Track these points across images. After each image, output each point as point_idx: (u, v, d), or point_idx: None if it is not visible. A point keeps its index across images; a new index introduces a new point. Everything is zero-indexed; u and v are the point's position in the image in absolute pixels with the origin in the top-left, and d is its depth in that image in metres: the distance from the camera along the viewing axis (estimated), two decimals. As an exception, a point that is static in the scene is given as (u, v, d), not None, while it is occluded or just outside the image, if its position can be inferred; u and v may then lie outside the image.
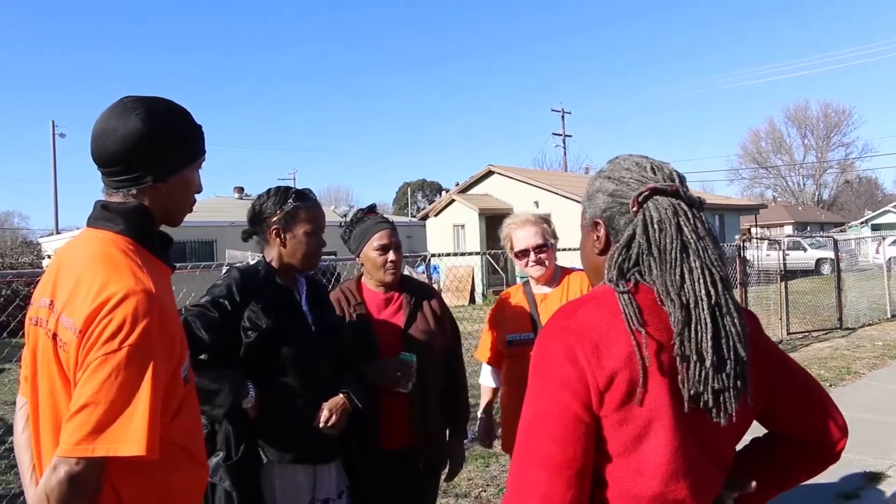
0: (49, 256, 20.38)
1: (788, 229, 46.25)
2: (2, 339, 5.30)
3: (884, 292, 14.07)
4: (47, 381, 1.48)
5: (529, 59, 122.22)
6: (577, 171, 41.72)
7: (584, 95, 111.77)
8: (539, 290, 2.95)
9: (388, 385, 2.58)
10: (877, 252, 19.83)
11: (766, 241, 15.45)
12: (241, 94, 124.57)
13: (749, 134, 71.33)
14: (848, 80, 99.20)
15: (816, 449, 1.42)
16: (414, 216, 37.72)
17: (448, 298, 2.99)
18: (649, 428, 1.18)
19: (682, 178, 1.35)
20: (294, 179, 48.23)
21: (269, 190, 2.42)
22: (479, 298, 21.98)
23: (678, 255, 1.23)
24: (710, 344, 1.18)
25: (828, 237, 17.60)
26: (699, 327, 1.19)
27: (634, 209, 1.30)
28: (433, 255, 6.92)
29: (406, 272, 2.88)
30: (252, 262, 2.45)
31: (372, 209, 2.85)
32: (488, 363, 3.17)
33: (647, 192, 1.30)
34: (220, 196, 34.21)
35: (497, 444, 3.24)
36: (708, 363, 1.18)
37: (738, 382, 1.21)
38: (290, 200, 2.35)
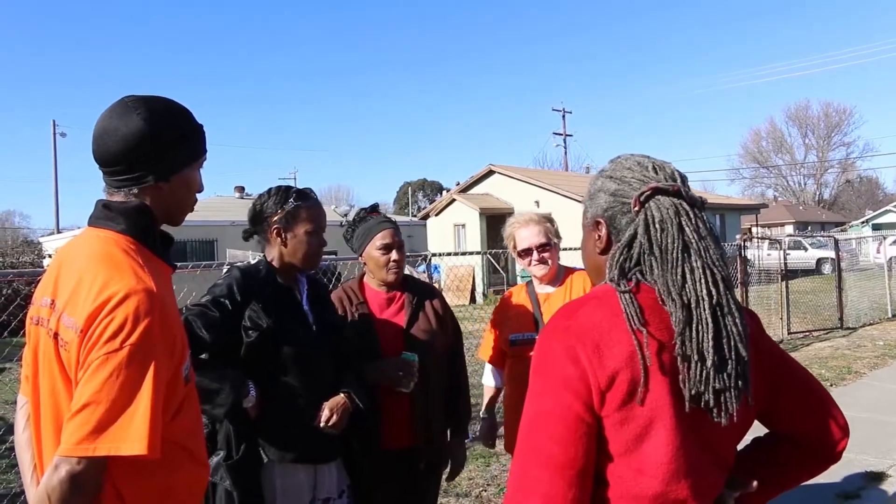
0: (50, 256, 20.37)
1: (789, 229, 46.24)
2: (3, 338, 5.30)
3: (885, 292, 14.05)
4: (48, 380, 1.48)
5: (530, 59, 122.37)
6: (578, 170, 41.75)
7: (585, 95, 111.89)
8: (542, 289, 2.95)
9: (390, 385, 2.58)
10: (878, 251, 19.86)
11: (767, 241, 15.46)
12: (241, 94, 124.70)
13: (750, 133, 71.44)
14: (848, 79, 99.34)
15: (817, 448, 1.42)
16: (414, 216, 37.72)
17: (449, 298, 3.01)
18: (650, 427, 1.18)
19: (683, 178, 1.35)
20: (295, 179, 48.22)
21: (270, 189, 2.42)
22: (479, 298, 21.97)
23: (680, 255, 1.23)
24: (711, 344, 1.18)
25: (829, 237, 17.58)
26: (700, 327, 1.19)
27: (636, 209, 1.30)
28: (434, 255, 6.91)
29: (406, 272, 2.88)
30: (253, 262, 2.45)
31: (375, 208, 2.85)
32: (491, 363, 3.17)
33: (648, 192, 1.30)
34: (220, 195, 34.23)
35: (499, 443, 3.24)
36: (709, 363, 1.18)
37: (740, 382, 1.21)
38: (291, 200, 2.35)
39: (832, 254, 15.72)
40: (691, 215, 1.28)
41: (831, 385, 7.67)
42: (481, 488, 4.88)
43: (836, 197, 67.15)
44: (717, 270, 1.24)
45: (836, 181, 67.05)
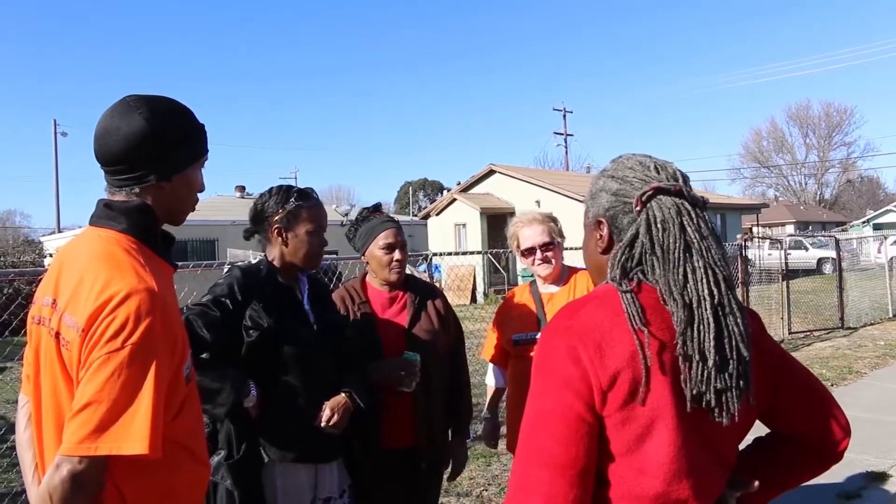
0: (51, 255, 20.40)
1: (790, 229, 46.22)
2: (4, 337, 5.31)
3: (885, 292, 14.04)
4: (50, 379, 1.48)
5: (530, 59, 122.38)
6: (579, 170, 41.72)
7: (586, 95, 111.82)
8: (546, 289, 2.94)
9: (392, 384, 2.58)
10: (878, 251, 19.83)
11: (768, 241, 15.46)
12: (242, 93, 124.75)
13: (751, 133, 71.37)
14: (848, 79, 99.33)
15: (819, 448, 1.42)
16: (415, 215, 37.71)
17: (449, 297, 3.01)
18: (652, 427, 1.18)
19: (685, 178, 1.35)
20: (296, 178, 48.25)
21: (272, 189, 2.42)
22: (480, 298, 21.97)
23: (681, 255, 1.23)
24: (712, 344, 1.18)
25: (829, 236, 17.57)
26: (702, 327, 1.19)
27: (638, 208, 1.30)
28: (435, 255, 6.90)
29: (407, 272, 2.88)
30: (254, 261, 2.45)
31: (377, 208, 2.86)
32: (494, 362, 3.16)
33: (650, 192, 1.30)
34: (221, 195, 34.24)
35: (501, 443, 3.24)
36: (710, 363, 1.18)
37: (741, 382, 1.21)
38: (293, 199, 2.35)
39: (833, 254, 15.70)
40: (693, 215, 1.28)
41: (832, 385, 7.67)
42: (482, 488, 4.88)
43: (837, 197, 67.13)
44: (719, 270, 1.24)
45: (837, 181, 67.06)
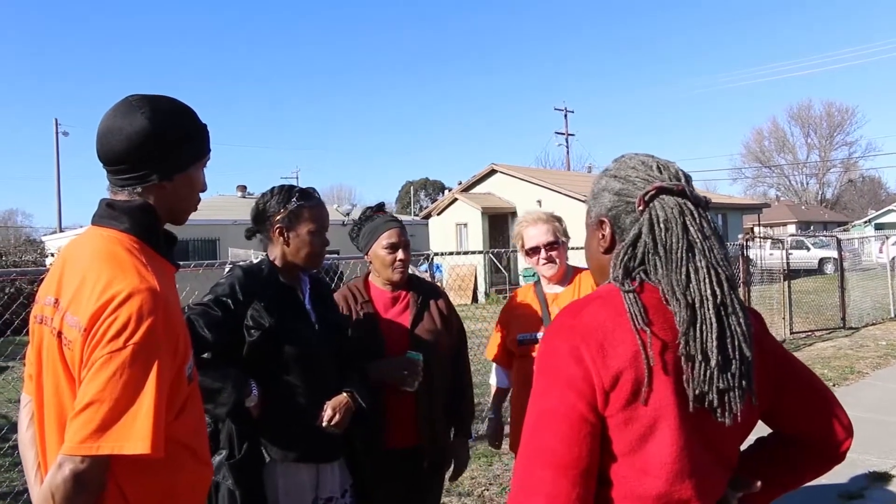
0: (52, 254, 20.41)
1: (791, 228, 46.19)
2: (5, 336, 5.31)
3: (887, 292, 14.04)
4: (52, 379, 1.48)
5: (531, 58, 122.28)
6: (580, 169, 41.72)
7: (587, 94, 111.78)
8: (550, 289, 2.94)
9: (395, 384, 2.58)
10: (880, 251, 19.81)
11: (770, 241, 15.45)
12: (243, 93, 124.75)
13: (752, 133, 71.33)
14: (848, 79, 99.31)
15: (821, 449, 1.42)
16: (416, 215, 37.69)
17: (451, 297, 3.01)
18: (654, 427, 1.18)
19: (688, 178, 1.35)
20: (297, 178, 48.20)
21: (273, 188, 2.42)
22: (481, 297, 21.97)
23: (684, 255, 1.23)
24: (715, 344, 1.18)
25: (831, 236, 17.57)
26: (704, 327, 1.19)
27: (640, 208, 1.30)
28: (436, 254, 6.90)
29: (409, 271, 2.88)
30: (255, 261, 2.45)
31: (381, 207, 2.86)
32: (498, 363, 3.16)
33: (653, 192, 1.30)
34: (222, 194, 34.26)
35: (505, 443, 3.24)
36: (713, 363, 1.18)
37: (743, 382, 1.20)
38: (294, 199, 2.35)
39: (835, 253, 15.68)
40: (696, 215, 1.28)
41: (834, 385, 7.66)
42: (483, 487, 4.88)
43: (839, 196, 67.09)
44: (722, 270, 1.24)
45: (839, 181, 67.04)
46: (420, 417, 2.67)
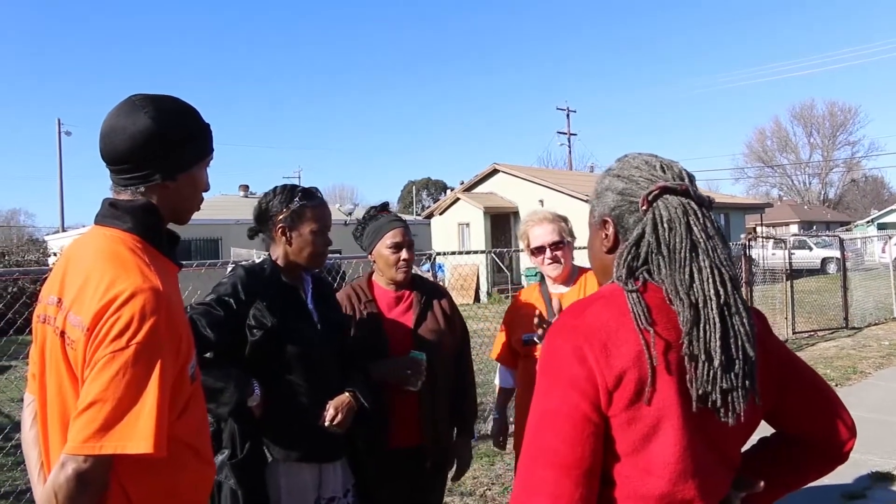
0: (55, 254, 20.45)
1: (794, 228, 46.12)
2: (8, 336, 5.32)
3: (890, 292, 14.01)
4: (55, 378, 1.49)
5: (531, 58, 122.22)
6: (582, 169, 41.65)
7: (587, 94, 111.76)
8: (555, 289, 2.93)
9: (398, 383, 2.58)
10: (883, 251, 19.76)
11: (772, 240, 15.44)
12: (244, 93, 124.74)
13: (755, 132, 71.19)
14: (848, 79, 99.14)
15: (824, 449, 1.42)
16: (419, 215, 37.71)
17: (453, 297, 3.00)
18: (658, 427, 1.18)
19: (691, 177, 1.35)
20: (299, 178, 48.19)
21: (276, 188, 2.42)
22: (483, 297, 21.97)
23: (688, 255, 1.23)
24: (718, 343, 1.18)
25: (833, 236, 17.55)
26: (708, 327, 1.19)
27: (644, 208, 1.30)
28: (438, 254, 6.90)
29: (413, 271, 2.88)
30: (258, 261, 2.45)
31: (385, 207, 2.86)
32: (503, 363, 3.16)
33: (657, 191, 1.29)
34: (225, 194, 34.28)
35: (509, 443, 3.23)
36: (716, 363, 1.17)
37: (747, 382, 1.20)
38: (297, 199, 2.35)
39: (837, 253, 15.69)
40: (699, 215, 1.27)
41: (836, 385, 7.65)
42: (486, 487, 4.88)
43: (842, 196, 66.99)
44: (725, 270, 1.23)
45: (842, 180, 66.95)
46: (423, 417, 2.67)
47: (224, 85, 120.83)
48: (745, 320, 1.22)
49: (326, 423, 2.27)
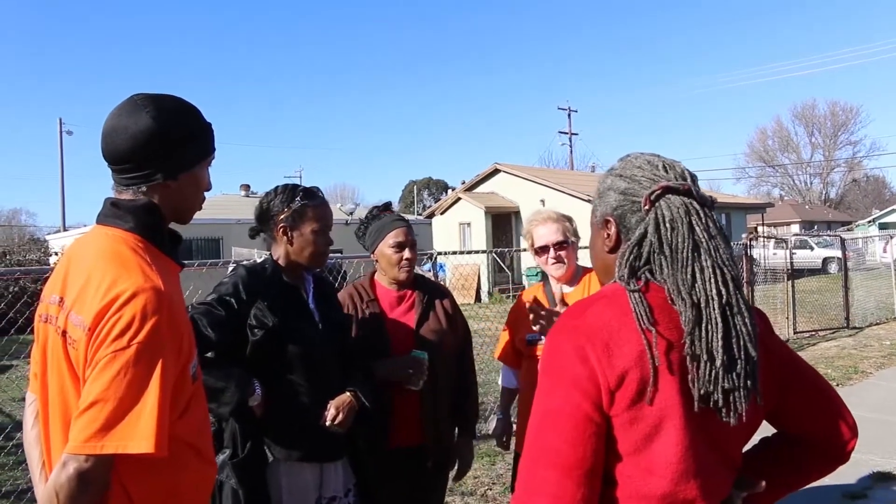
0: (56, 253, 20.45)
1: (795, 228, 46.10)
2: (9, 335, 5.32)
3: (891, 291, 14.00)
4: (57, 377, 1.49)
5: (531, 58, 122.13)
6: (584, 169, 41.64)
7: (587, 94, 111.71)
8: (559, 289, 2.93)
9: (400, 382, 2.59)
10: (884, 251, 19.74)
11: (773, 240, 15.44)
12: (245, 93, 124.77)
13: (756, 132, 71.10)
14: (849, 79, 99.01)
15: (826, 448, 1.42)
16: (420, 214, 37.70)
17: (454, 297, 3.01)
18: (660, 427, 1.18)
19: (693, 177, 1.35)
20: (300, 177, 48.21)
21: (277, 188, 2.42)
22: (484, 297, 21.97)
23: (690, 255, 1.23)
24: (720, 343, 1.18)
25: (835, 236, 17.55)
26: (710, 326, 1.19)
27: (646, 207, 1.30)
28: (439, 254, 6.90)
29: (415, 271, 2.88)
30: (259, 260, 2.45)
31: (388, 207, 2.87)
32: (506, 362, 3.16)
33: (659, 191, 1.29)
34: (226, 193, 34.26)
35: (513, 442, 3.23)
36: (718, 362, 1.17)
37: (749, 382, 1.20)
38: (298, 198, 2.35)
39: (838, 253, 15.67)
40: (701, 214, 1.27)
41: (837, 385, 7.64)
42: (487, 487, 4.88)
43: (843, 196, 66.93)
44: (727, 270, 1.23)
45: (843, 180, 66.89)
46: (425, 417, 2.67)
47: (224, 85, 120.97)
48: (747, 320, 1.22)
49: (327, 423, 2.27)
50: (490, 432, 3.35)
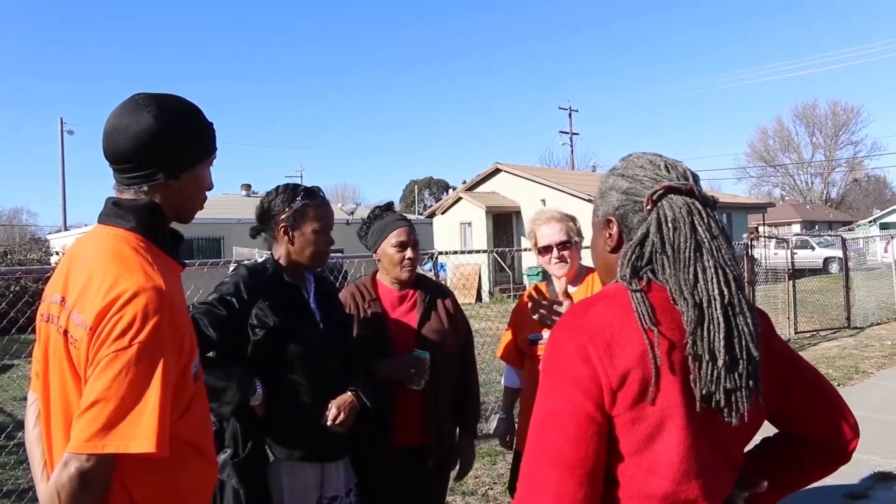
0: (57, 253, 20.47)
1: (796, 228, 46.07)
2: (11, 335, 5.33)
3: (892, 291, 13.99)
4: (58, 377, 1.49)
5: (531, 58, 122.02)
6: (585, 168, 41.62)
7: (587, 94, 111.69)
8: (562, 288, 2.92)
9: (402, 382, 2.59)
10: (885, 251, 19.73)
11: (774, 240, 15.43)
12: (245, 93, 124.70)
13: (757, 132, 71.19)
14: (849, 79, 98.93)
15: (827, 448, 1.42)
16: (421, 214, 37.68)
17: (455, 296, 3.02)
18: (661, 427, 1.17)
19: (695, 177, 1.35)
20: (301, 177, 48.18)
21: (279, 187, 2.42)
22: (485, 296, 21.96)
23: (692, 254, 1.23)
24: (722, 343, 1.18)
25: (836, 236, 17.54)
26: (712, 327, 1.19)
27: (648, 207, 1.30)
28: (440, 253, 6.89)
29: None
30: (260, 260, 2.45)
31: (390, 206, 2.87)
32: (509, 362, 3.15)
33: (661, 191, 1.29)
34: (227, 193, 34.25)
35: (515, 442, 3.23)
36: (720, 363, 1.17)
37: (750, 382, 1.20)
38: (299, 198, 2.35)
39: (839, 253, 15.66)
40: (703, 214, 1.27)
41: (839, 385, 7.64)
42: (487, 486, 4.88)
43: (844, 196, 66.88)
44: (729, 270, 1.23)
45: (844, 180, 66.86)
46: (426, 416, 2.67)
47: (224, 85, 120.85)
48: (748, 320, 1.22)
49: (329, 423, 2.27)
50: (491, 432, 3.34)
